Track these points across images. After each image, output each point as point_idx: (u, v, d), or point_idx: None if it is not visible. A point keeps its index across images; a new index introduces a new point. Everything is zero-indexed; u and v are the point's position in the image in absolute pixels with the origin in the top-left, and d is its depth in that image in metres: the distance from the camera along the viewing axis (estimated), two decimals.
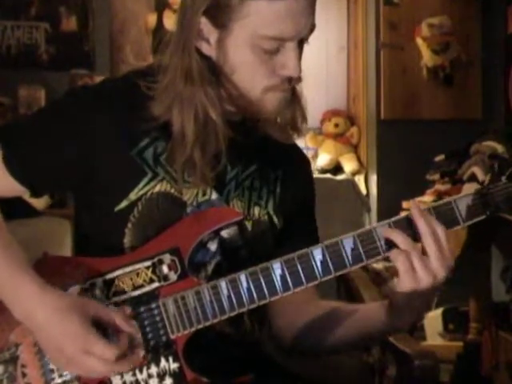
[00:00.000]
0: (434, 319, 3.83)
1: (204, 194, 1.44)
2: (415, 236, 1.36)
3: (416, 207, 1.36)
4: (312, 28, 1.39)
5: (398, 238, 1.34)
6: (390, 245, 1.35)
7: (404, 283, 1.34)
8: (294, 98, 1.46)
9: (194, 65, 1.39)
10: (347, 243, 1.36)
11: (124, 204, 1.41)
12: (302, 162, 1.62)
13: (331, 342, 1.51)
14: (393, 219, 1.37)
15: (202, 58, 1.40)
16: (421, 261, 1.33)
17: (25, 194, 1.47)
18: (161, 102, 1.40)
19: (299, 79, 1.43)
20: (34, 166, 1.42)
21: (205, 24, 1.38)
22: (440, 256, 1.34)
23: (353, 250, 1.36)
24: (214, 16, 1.37)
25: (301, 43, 1.40)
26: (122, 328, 1.31)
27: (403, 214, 1.40)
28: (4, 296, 1.33)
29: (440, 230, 1.35)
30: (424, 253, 1.34)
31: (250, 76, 1.39)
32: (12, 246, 1.36)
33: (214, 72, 1.40)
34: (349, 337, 1.49)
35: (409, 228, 1.36)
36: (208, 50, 1.40)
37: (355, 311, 1.50)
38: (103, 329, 1.30)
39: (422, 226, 1.34)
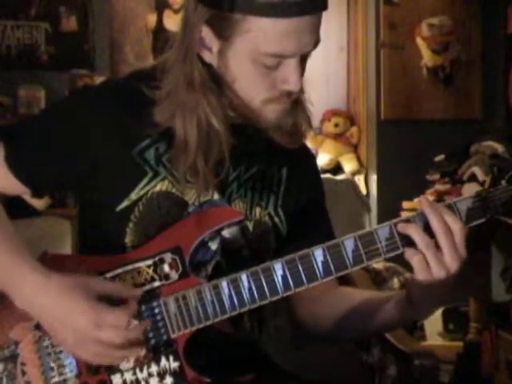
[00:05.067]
0: (433, 319, 3.82)
1: (206, 194, 1.44)
2: (428, 231, 1.34)
3: (427, 202, 1.35)
4: (316, 43, 1.38)
5: (416, 236, 1.33)
6: (406, 240, 1.35)
7: (418, 278, 1.34)
8: (296, 105, 1.46)
9: (196, 73, 1.38)
10: (348, 244, 1.36)
11: (125, 204, 1.41)
12: (306, 159, 1.61)
13: (350, 330, 1.52)
14: (407, 216, 1.36)
15: (204, 66, 1.39)
16: (435, 258, 1.32)
17: (26, 194, 1.48)
18: (163, 110, 1.40)
19: (300, 92, 1.43)
20: (35, 166, 1.43)
21: (207, 33, 1.37)
22: (453, 250, 1.33)
23: (354, 251, 1.35)
24: (216, 27, 1.36)
25: (303, 58, 1.39)
26: (128, 293, 1.32)
27: (403, 214, 1.39)
28: (6, 286, 1.32)
29: (454, 224, 1.34)
30: (437, 246, 1.33)
31: (250, 88, 1.39)
32: (13, 236, 1.36)
33: (216, 80, 1.40)
34: (366, 326, 1.50)
35: (423, 224, 1.35)
36: (210, 58, 1.39)
37: (373, 301, 1.49)
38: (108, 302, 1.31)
39: (434, 222, 1.33)
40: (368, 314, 1.48)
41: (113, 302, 1.31)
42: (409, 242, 1.35)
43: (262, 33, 1.33)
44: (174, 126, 1.40)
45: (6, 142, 1.42)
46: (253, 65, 1.36)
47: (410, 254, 1.34)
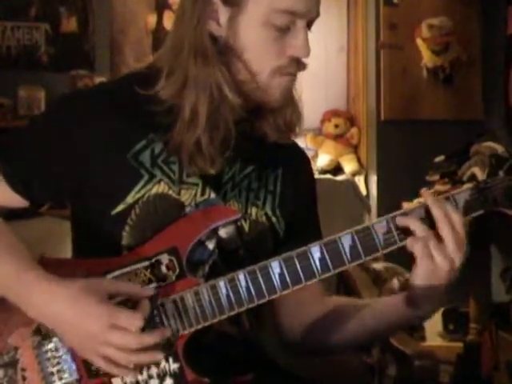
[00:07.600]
0: (433, 320, 3.82)
1: (202, 195, 1.43)
2: (430, 224, 1.35)
3: (430, 195, 1.37)
4: (317, 14, 1.41)
5: (415, 224, 1.35)
6: (405, 234, 1.36)
7: (422, 270, 1.35)
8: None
9: (207, 43, 1.39)
10: (345, 240, 1.36)
11: (121, 207, 1.40)
12: (301, 160, 1.62)
13: (339, 340, 1.51)
14: (404, 209, 1.38)
15: (212, 40, 1.40)
16: (438, 246, 1.33)
17: (26, 205, 1.46)
18: (171, 85, 1.40)
19: (304, 66, 1.44)
20: (31, 177, 1.42)
21: (216, 3, 1.39)
22: (456, 241, 1.34)
23: (351, 246, 1.36)
24: None
25: (309, 25, 1.41)
26: (141, 293, 1.31)
27: None
28: (15, 298, 1.32)
29: (455, 215, 1.35)
30: (439, 240, 1.34)
31: (260, 55, 1.39)
32: (16, 245, 1.36)
33: (223, 54, 1.40)
34: (359, 333, 1.50)
35: (422, 217, 1.36)
36: (217, 30, 1.40)
37: (366, 307, 1.49)
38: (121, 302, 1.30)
39: (437, 212, 1.34)
40: (367, 321, 1.48)
41: (128, 302, 1.30)
42: (406, 237, 1.36)
43: None
44: (182, 102, 1.39)
45: (1, 154, 1.42)
46: (264, 28, 1.37)
47: (411, 242, 1.34)
